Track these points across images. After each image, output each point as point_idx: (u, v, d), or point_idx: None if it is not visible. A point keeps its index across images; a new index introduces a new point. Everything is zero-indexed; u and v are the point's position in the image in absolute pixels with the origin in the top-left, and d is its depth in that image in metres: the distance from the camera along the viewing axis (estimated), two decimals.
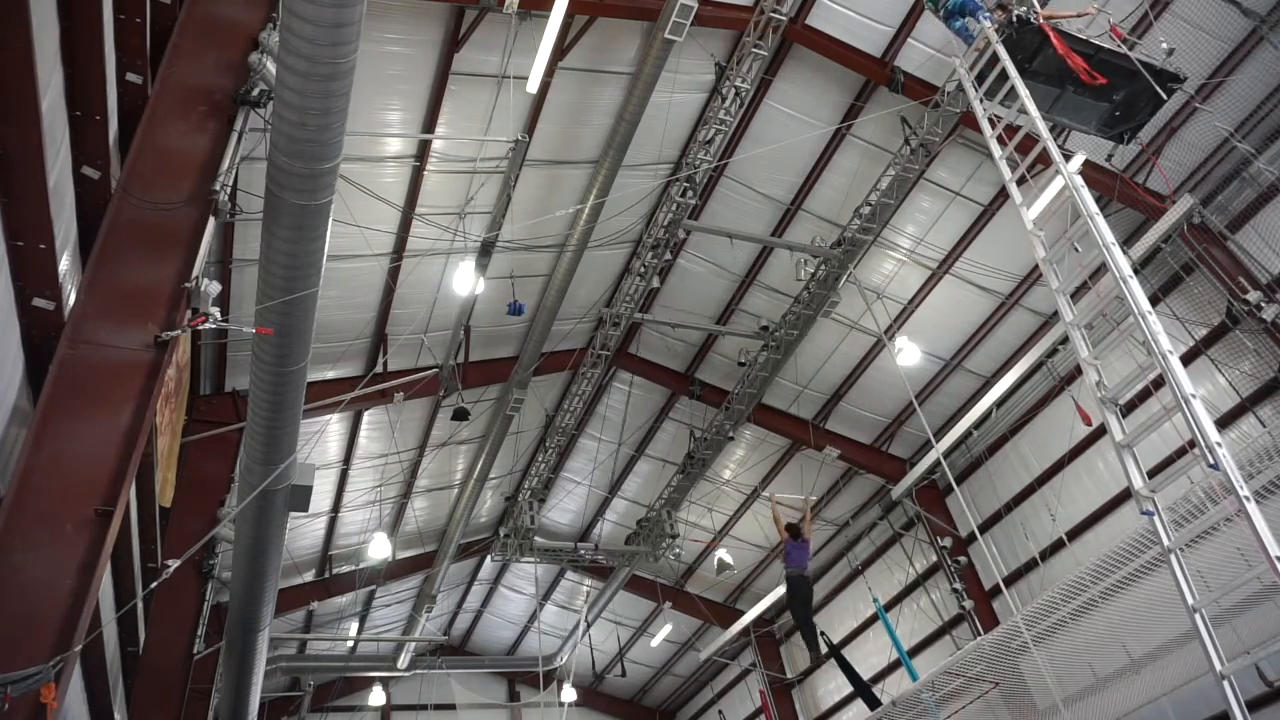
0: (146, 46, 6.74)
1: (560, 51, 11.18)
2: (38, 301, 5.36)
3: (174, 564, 8.55)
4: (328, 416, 13.43)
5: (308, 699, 19.92)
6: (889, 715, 15.20)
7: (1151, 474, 5.10)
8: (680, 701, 25.51)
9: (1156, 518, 4.57)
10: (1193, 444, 4.38)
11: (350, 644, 20.60)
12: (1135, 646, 11.56)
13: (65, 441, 5.29)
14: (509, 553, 17.87)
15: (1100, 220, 5.66)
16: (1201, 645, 4.20)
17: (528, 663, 21.57)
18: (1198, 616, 4.21)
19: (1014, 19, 8.12)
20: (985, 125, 7.94)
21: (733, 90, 12.03)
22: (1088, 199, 5.86)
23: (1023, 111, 7.11)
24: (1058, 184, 7.81)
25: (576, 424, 16.75)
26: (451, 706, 22.82)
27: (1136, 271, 5.41)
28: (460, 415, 13.74)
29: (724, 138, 12.62)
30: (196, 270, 6.43)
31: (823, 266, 14.04)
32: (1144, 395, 9.38)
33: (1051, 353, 13.94)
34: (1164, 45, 8.48)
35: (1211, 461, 4.05)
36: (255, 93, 7.05)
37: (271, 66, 6.77)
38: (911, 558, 17.44)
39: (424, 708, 21.62)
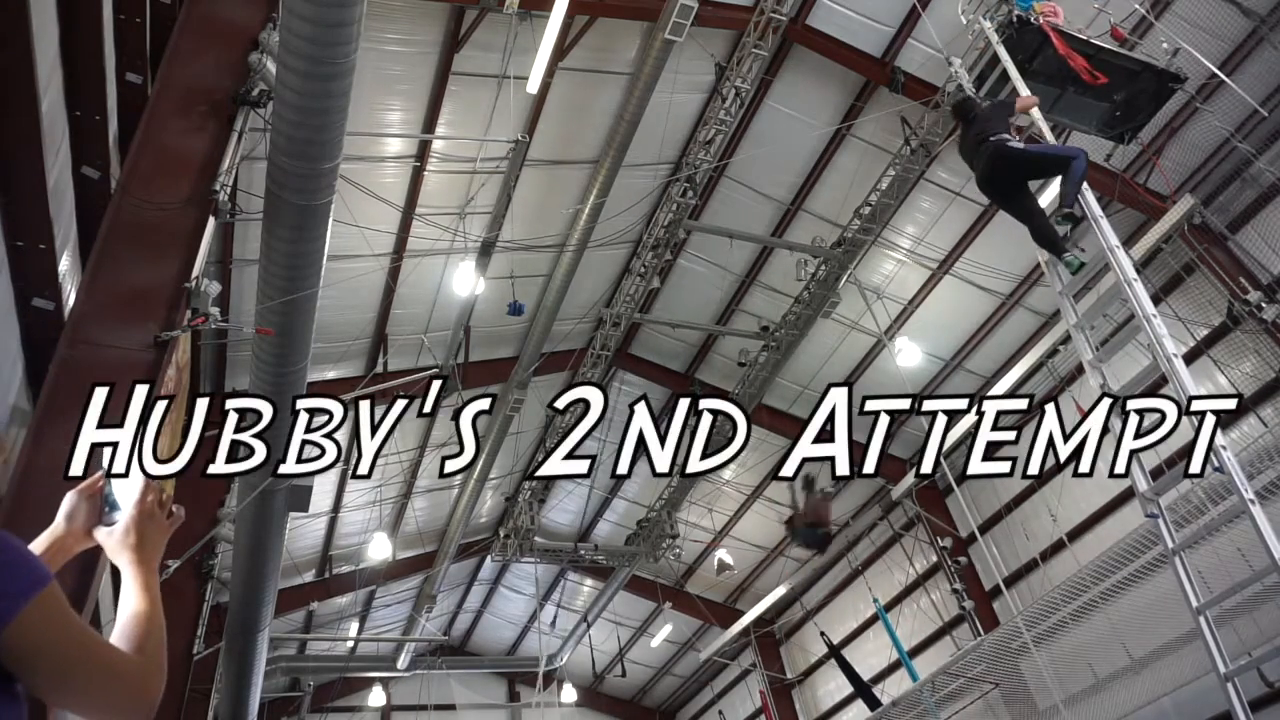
0: (146, 46, 6.72)
1: (560, 51, 11.17)
2: (38, 301, 5.34)
3: (174, 564, 8.56)
4: None
5: (308, 699, 19.91)
6: (889, 716, 15.21)
7: (1152, 475, 5.09)
8: (680, 702, 25.49)
9: (1161, 520, 4.56)
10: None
11: (350, 644, 20.59)
12: (1136, 647, 11.57)
13: (65, 441, 5.25)
14: (509, 553, 17.86)
15: (1104, 223, 5.65)
16: (1205, 647, 4.19)
17: (528, 663, 21.56)
18: (1202, 619, 4.20)
19: (1014, 19, 8.11)
20: None
21: (733, 90, 12.03)
22: (1091, 201, 5.85)
23: (1024, 112, 7.10)
24: (1055, 186, 7.80)
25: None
26: (451, 707, 22.82)
27: (1138, 271, 5.39)
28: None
29: (724, 138, 12.62)
30: (196, 270, 6.42)
31: (823, 266, 14.04)
32: (1143, 396, 9.37)
33: (1052, 353, 13.93)
34: (1164, 45, 8.48)
35: (1216, 464, 4.05)
36: (255, 93, 7.04)
37: (271, 66, 6.77)
38: (911, 558, 17.43)
39: (424, 708, 21.60)
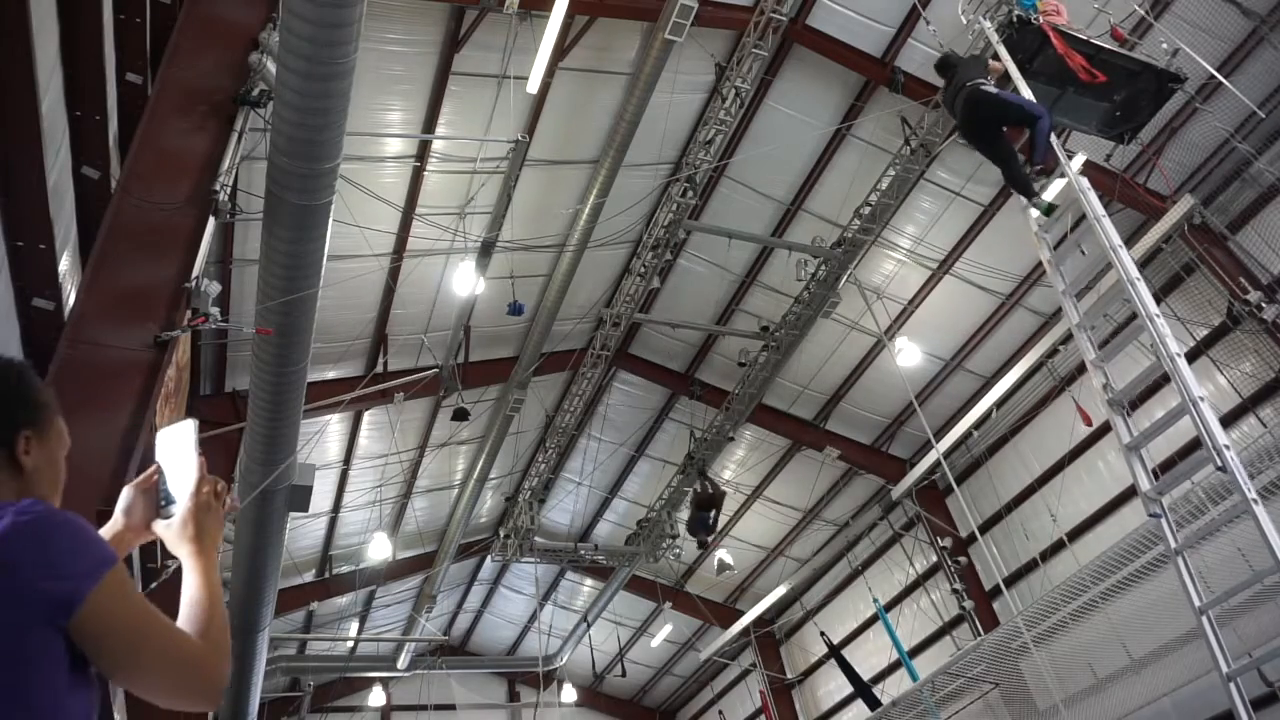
0: (146, 46, 6.72)
1: (560, 51, 11.16)
2: (38, 301, 5.33)
3: (174, 564, 8.54)
4: (328, 416, 13.42)
5: (308, 699, 19.90)
6: (889, 716, 15.22)
7: (1154, 474, 5.09)
8: (680, 702, 25.50)
9: (1164, 520, 4.56)
10: (1196, 446, 4.38)
11: (350, 644, 20.59)
12: (1136, 647, 11.58)
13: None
14: (509, 553, 17.85)
15: (1107, 222, 5.65)
16: (1207, 647, 4.19)
17: (528, 663, 21.56)
18: (1205, 619, 4.20)
19: (1014, 19, 8.11)
20: None
21: (733, 90, 12.02)
22: (1094, 201, 5.85)
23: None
24: (1060, 184, 7.81)
25: (576, 424, 16.75)
26: (451, 707, 22.82)
27: (1140, 271, 5.40)
28: (460, 415, 13.73)
29: (724, 138, 12.61)
30: (196, 270, 6.41)
31: (823, 266, 14.03)
32: (1144, 396, 9.39)
33: (1052, 353, 13.94)
34: (1164, 45, 8.47)
35: (1219, 464, 4.05)
36: (255, 93, 7.02)
37: (271, 66, 6.76)
38: (911, 558, 17.44)
39: (424, 708, 21.60)
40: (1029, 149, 6.98)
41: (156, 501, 1.80)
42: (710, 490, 16.21)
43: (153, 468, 1.83)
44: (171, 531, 1.75)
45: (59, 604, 1.36)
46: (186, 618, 1.58)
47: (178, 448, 1.82)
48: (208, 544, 1.74)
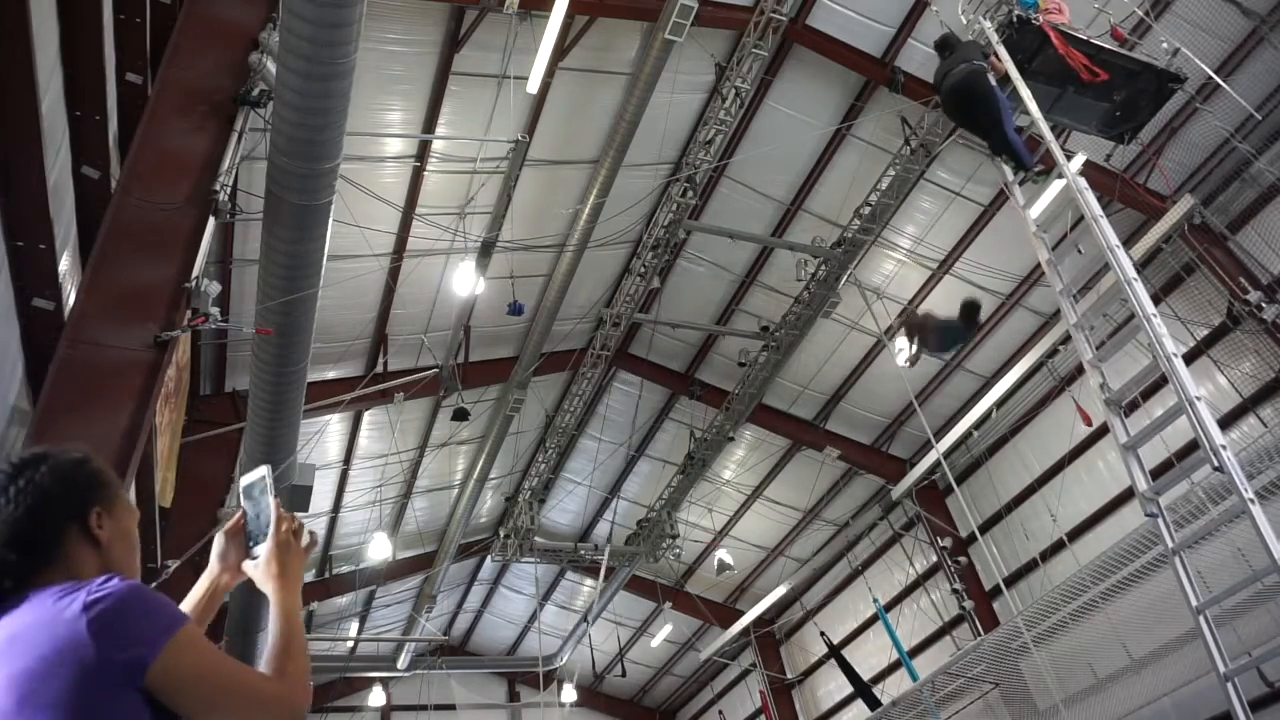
0: (146, 46, 6.72)
1: (560, 51, 11.16)
2: (38, 301, 5.33)
3: (174, 564, 8.55)
4: (328, 416, 13.42)
5: None
6: (889, 716, 15.22)
7: (1152, 475, 5.09)
8: (680, 702, 25.51)
9: (1161, 520, 4.56)
10: (1196, 445, 4.38)
11: (350, 644, 20.60)
12: (1136, 647, 11.58)
13: (65, 441, 5.26)
14: (509, 553, 17.86)
15: (1104, 223, 5.65)
16: (1205, 646, 4.19)
17: (528, 663, 21.57)
18: (1202, 619, 4.21)
19: (1014, 19, 8.10)
20: None
21: (733, 90, 12.03)
22: (1091, 201, 5.84)
23: (1024, 112, 7.11)
24: (1059, 185, 7.81)
25: (576, 424, 16.75)
26: (451, 707, 22.83)
27: (1139, 271, 5.40)
28: (460, 415, 13.74)
29: (724, 138, 12.62)
30: (196, 270, 6.41)
31: (823, 266, 14.04)
32: (1144, 396, 9.40)
33: (1052, 353, 13.95)
34: (1164, 45, 8.47)
35: (1216, 464, 4.06)
36: (255, 93, 7.02)
37: (271, 66, 6.77)
38: (911, 558, 17.44)
39: (424, 708, 21.61)
40: (1016, 161, 7.06)
41: (245, 544, 1.97)
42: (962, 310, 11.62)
43: (240, 513, 2.00)
44: (258, 571, 1.91)
45: (131, 670, 1.49)
46: (268, 652, 1.73)
47: (257, 491, 1.99)
48: (290, 579, 1.88)
